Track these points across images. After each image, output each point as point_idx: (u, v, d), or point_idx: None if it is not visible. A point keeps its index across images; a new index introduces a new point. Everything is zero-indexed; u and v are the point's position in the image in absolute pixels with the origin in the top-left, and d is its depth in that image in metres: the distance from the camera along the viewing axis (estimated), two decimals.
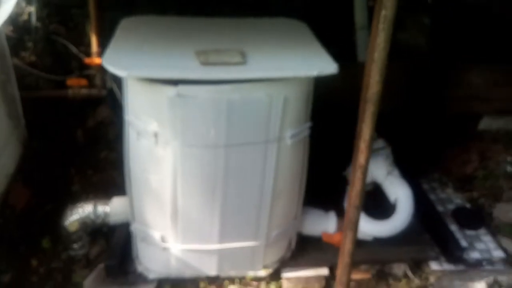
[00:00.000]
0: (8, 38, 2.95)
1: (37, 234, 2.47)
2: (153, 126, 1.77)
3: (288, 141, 1.88)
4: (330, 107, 2.82)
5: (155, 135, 1.78)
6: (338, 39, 3.03)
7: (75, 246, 2.39)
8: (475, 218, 2.63)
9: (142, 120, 1.80)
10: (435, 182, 2.96)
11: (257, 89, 1.72)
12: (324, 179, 2.52)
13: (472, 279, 2.28)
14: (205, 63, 1.71)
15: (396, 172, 2.48)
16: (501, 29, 3.05)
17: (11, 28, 3.06)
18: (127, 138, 1.92)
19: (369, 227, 2.29)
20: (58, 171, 2.88)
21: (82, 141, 3.05)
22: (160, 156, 1.83)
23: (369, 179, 2.45)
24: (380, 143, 2.67)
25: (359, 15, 2.84)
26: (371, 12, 2.94)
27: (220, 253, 2.11)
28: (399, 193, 2.36)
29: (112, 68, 1.64)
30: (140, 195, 2.01)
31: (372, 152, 2.64)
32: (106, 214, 2.33)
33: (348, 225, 1.80)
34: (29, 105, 2.98)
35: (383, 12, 1.42)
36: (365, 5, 2.85)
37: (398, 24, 3.33)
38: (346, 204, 2.33)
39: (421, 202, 2.68)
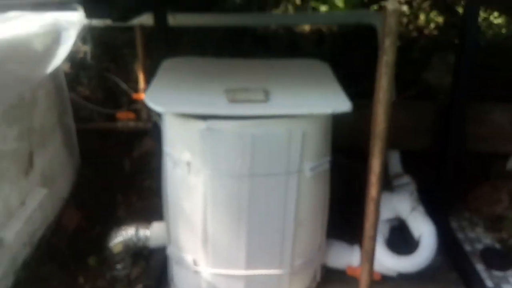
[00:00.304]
0: (66, 74, 3.33)
1: (85, 253, 2.68)
2: (186, 157, 1.98)
3: (308, 174, 2.02)
4: (357, 144, 2.94)
5: (188, 164, 1.98)
6: (366, 79, 3.19)
7: (119, 266, 2.58)
8: (503, 259, 2.61)
9: (177, 151, 2.01)
10: (465, 221, 2.96)
11: (277, 125, 1.89)
12: (352, 214, 2.62)
13: None
14: (232, 101, 1.91)
15: (420, 209, 2.53)
16: None
17: (68, 65, 3.45)
18: (165, 167, 2.13)
19: (392, 262, 2.35)
20: (107, 197, 3.14)
21: (129, 170, 3.31)
22: (192, 184, 2.02)
23: (393, 214, 2.54)
24: (405, 179, 2.75)
25: None
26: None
27: (247, 280, 2.23)
28: (423, 229, 2.40)
29: (152, 105, 1.88)
30: (175, 220, 2.20)
31: (397, 188, 2.75)
32: (146, 238, 2.53)
33: (364, 255, 1.89)
34: (83, 135, 3.31)
35: (385, 58, 1.56)
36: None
37: (425, 64, 3.47)
38: None
39: (448, 240, 2.71)
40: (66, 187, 3.02)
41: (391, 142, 2.97)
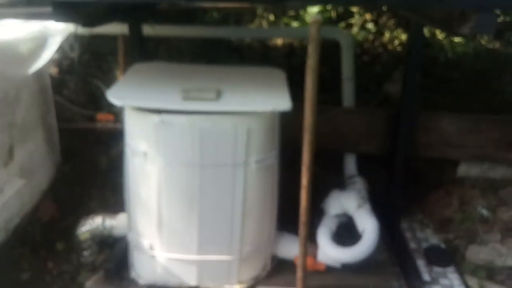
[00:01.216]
0: (53, 78, 3.58)
1: (56, 241, 2.88)
2: (143, 147, 2.20)
3: (253, 166, 2.24)
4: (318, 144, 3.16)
5: (145, 154, 2.20)
6: (332, 88, 3.43)
7: (85, 253, 2.77)
8: (444, 256, 2.80)
9: (135, 142, 2.23)
10: (416, 222, 3.16)
11: (224, 120, 2.12)
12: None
13: None
14: (186, 98, 2.14)
15: (367, 206, 2.73)
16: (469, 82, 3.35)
17: (56, 69, 3.70)
18: (126, 157, 2.35)
19: (334, 252, 2.54)
20: (82, 191, 3.35)
21: (105, 167, 3.53)
22: (148, 172, 2.24)
23: (340, 210, 2.75)
24: (356, 180, 2.95)
25: (346, 68, 3.21)
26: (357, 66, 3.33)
27: (199, 264, 2.43)
28: (366, 224, 2.60)
29: (111, 99, 2.11)
30: (134, 206, 2.41)
31: (345, 186, 2.96)
32: (112, 227, 2.74)
33: (299, 240, 2.09)
34: (65, 134, 3.54)
35: (309, 62, 1.78)
36: (352, 59, 3.23)
37: (387, 77, 3.71)
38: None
39: (395, 238, 2.90)
40: (44, 180, 3.23)
41: (348, 146, 3.22)
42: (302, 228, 2.05)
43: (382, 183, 3.23)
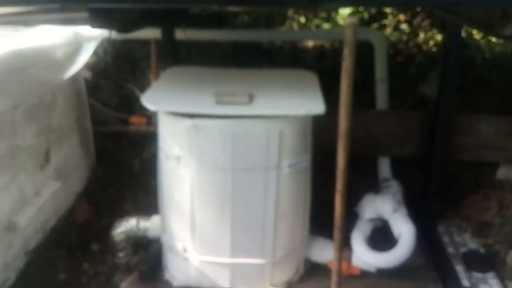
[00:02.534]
0: (88, 82, 3.65)
1: (91, 243, 2.94)
2: (176, 151, 2.22)
3: (286, 170, 2.22)
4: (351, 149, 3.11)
5: (178, 158, 2.22)
6: (365, 90, 3.37)
7: (120, 254, 2.82)
8: (484, 261, 2.70)
9: (169, 146, 2.25)
10: (454, 226, 3.07)
11: (257, 124, 2.11)
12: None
13: None
14: (218, 102, 2.14)
15: (403, 210, 2.67)
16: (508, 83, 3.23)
17: (90, 74, 3.78)
18: (159, 161, 2.38)
19: (369, 257, 2.49)
20: (116, 193, 3.41)
21: (138, 170, 3.58)
22: (181, 176, 2.25)
23: (375, 214, 2.69)
24: (391, 183, 2.89)
25: (379, 69, 3.15)
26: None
27: (232, 267, 2.43)
28: (402, 229, 2.54)
29: (146, 104, 2.13)
30: (168, 210, 2.43)
31: (381, 190, 2.90)
32: (146, 229, 2.77)
33: (334, 245, 2.05)
34: (99, 137, 3.61)
35: (344, 65, 1.75)
36: (385, 60, 3.17)
37: (422, 78, 3.62)
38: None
39: (432, 243, 2.83)
40: (80, 182, 3.31)
41: (382, 149, 3.16)
42: (337, 233, 2.02)
43: (417, 186, 3.16)
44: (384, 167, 3.08)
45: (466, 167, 3.26)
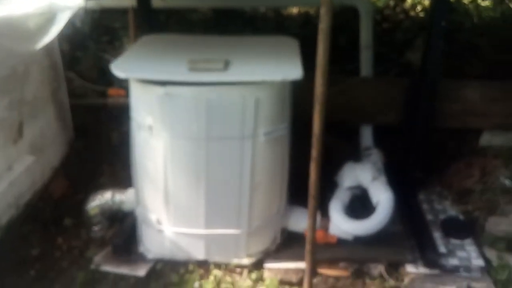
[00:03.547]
0: (65, 54, 3.54)
1: (66, 217, 2.88)
2: (148, 121, 2.15)
3: (262, 138, 2.17)
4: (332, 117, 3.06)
5: (150, 128, 2.16)
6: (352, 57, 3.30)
7: (95, 228, 2.77)
8: (462, 228, 2.70)
9: (141, 116, 2.19)
10: (434, 194, 3.06)
11: (232, 91, 2.05)
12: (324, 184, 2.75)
13: (444, 283, 2.37)
14: (192, 69, 2.07)
15: (382, 179, 2.65)
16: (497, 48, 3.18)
17: (68, 46, 3.66)
18: (132, 131, 2.31)
19: (346, 225, 2.48)
20: (94, 167, 3.35)
21: (116, 143, 3.51)
22: (154, 146, 2.20)
23: (355, 182, 2.67)
24: (372, 152, 2.86)
25: (364, 36, 3.08)
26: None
27: (207, 238, 2.40)
28: (381, 197, 2.52)
29: (115, 71, 2.05)
30: (141, 181, 2.38)
31: (361, 158, 2.87)
32: (121, 202, 2.72)
33: (308, 213, 2.03)
34: (78, 111, 3.52)
35: (321, 26, 1.68)
36: (371, 27, 3.09)
37: (408, 45, 3.55)
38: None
39: (411, 210, 2.82)
40: (56, 157, 3.24)
41: (365, 117, 3.12)
42: (311, 202, 1.99)
43: (401, 155, 3.13)
44: (367, 135, 3.04)
45: (449, 135, 3.24)
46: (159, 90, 2.04)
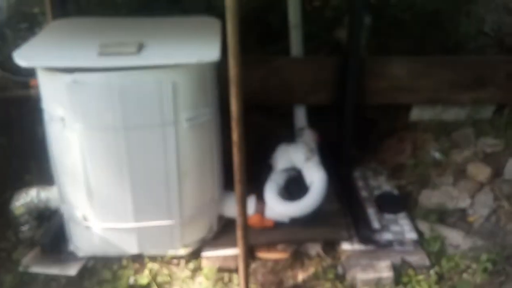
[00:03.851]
0: None
1: None
2: (59, 111, 2.00)
3: (185, 124, 2.07)
4: (268, 99, 3.01)
5: (62, 119, 2.01)
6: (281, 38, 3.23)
7: (23, 228, 2.61)
8: (396, 203, 2.74)
9: (51, 107, 2.03)
10: (370, 171, 3.08)
11: (146, 76, 1.93)
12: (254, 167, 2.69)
13: (378, 258, 2.40)
14: (102, 54, 1.93)
15: (315, 158, 2.62)
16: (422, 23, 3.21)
17: None
18: (45, 124, 2.15)
19: (281, 208, 2.44)
20: (21, 164, 3.14)
21: (43, 137, 3.30)
22: (69, 139, 2.05)
23: (289, 164, 2.63)
24: (303, 131, 2.83)
25: (292, 14, 3.00)
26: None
27: (139, 232, 2.30)
28: (314, 177, 2.50)
29: (17, 59, 1.88)
30: (61, 176, 2.24)
31: (291, 138, 2.84)
32: (47, 199, 2.56)
33: (236, 198, 1.96)
34: (0, 105, 3.27)
35: (227, 2, 1.59)
36: (298, 4, 3.02)
37: (338, 22, 3.52)
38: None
39: (346, 188, 2.83)
40: None
41: (297, 98, 3.08)
42: (238, 187, 1.92)
43: (335, 133, 3.12)
44: (300, 116, 3.00)
45: (382, 111, 3.26)
46: (67, 77, 1.89)
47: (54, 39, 2.14)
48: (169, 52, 2.01)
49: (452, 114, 3.14)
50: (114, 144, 2.03)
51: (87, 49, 1.97)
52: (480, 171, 2.79)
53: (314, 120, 3.13)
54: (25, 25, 3.54)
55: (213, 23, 2.42)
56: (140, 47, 1.98)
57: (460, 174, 2.87)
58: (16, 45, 3.42)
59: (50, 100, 2.03)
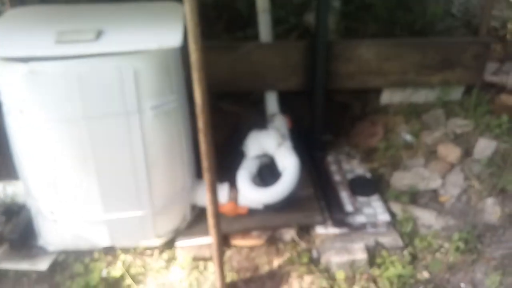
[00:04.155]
0: None
1: None
2: (17, 103, 1.92)
3: (150, 113, 2.02)
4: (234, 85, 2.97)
5: (21, 111, 1.93)
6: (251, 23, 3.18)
7: None
8: (368, 185, 2.75)
9: (8, 98, 1.95)
10: (343, 154, 3.08)
11: (105, 63, 1.86)
12: (229, 155, 2.67)
13: (352, 241, 2.40)
14: (59, 42, 1.85)
15: (287, 144, 2.60)
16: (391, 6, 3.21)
17: None
18: (4, 117, 2.07)
19: (254, 195, 2.42)
20: None
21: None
22: (29, 132, 1.98)
23: (261, 151, 2.60)
24: (274, 117, 2.81)
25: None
26: None
27: (109, 223, 2.25)
28: (286, 162, 2.48)
29: None
30: (25, 170, 2.16)
31: (264, 125, 2.81)
32: (14, 194, 2.49)
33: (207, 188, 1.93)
34: None
35: None
36: None
37: (306, 7, 3.48)
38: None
39: (319, 173, 2.82)
40: None
41: (267, 84, 3.04)
42: (207, 175, 1.88)
43: (308, 119, 3.11)
44: (271, 102, 2.97)
45: (354, 95, 3.26)
46: (22, 67, 1.82)
47: (10, 28, 2.06)
48: (129, 38, 1.95)
49: (422, 96, 3.15)
50: (76, 135, 1.97)
51: (44, 37, 1.90)
52: (451, 152, 2.82)
53: (288, 105, 3.11)
54: None
55: (176, 8, 2.34)
56: (99, 34, 1.92)
57: (431, 155, 2.89)
58: None
59: (7, 92, 1.95)
